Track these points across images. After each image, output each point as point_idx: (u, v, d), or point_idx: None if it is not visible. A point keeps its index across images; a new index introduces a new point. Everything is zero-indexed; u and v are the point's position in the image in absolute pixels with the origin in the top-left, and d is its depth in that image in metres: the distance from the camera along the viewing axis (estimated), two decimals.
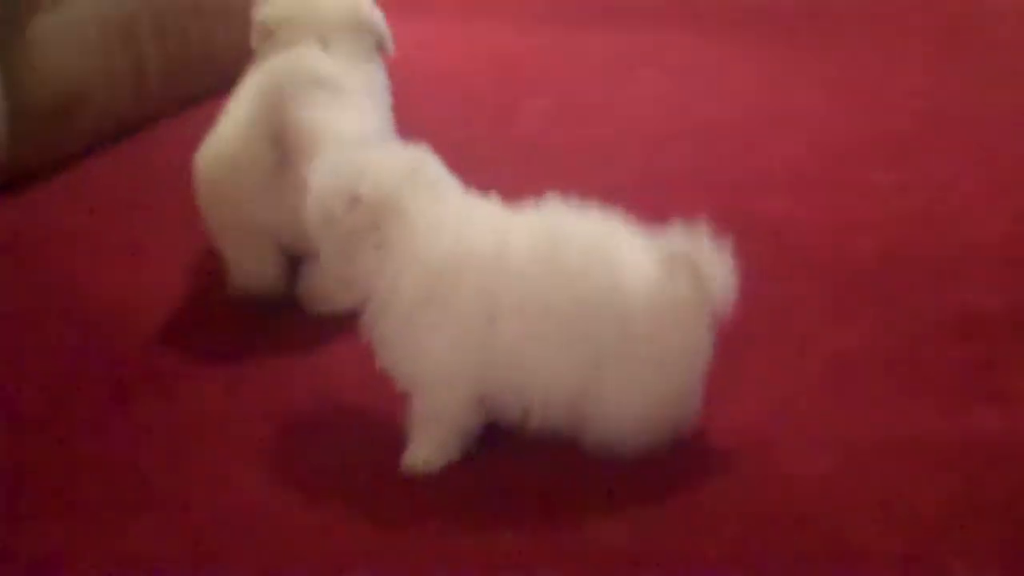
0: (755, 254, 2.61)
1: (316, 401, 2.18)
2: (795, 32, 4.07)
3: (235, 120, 2.39)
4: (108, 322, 2.47)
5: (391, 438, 2.02)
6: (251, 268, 2.44)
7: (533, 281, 1.94)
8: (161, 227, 2.83)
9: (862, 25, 4.13)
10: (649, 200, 2.85)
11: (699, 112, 3.42)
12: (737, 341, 2.10)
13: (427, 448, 1.99)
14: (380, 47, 2.63)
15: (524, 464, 2.00)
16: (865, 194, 2.90)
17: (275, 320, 2.42)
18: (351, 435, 2.10)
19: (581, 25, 4.10)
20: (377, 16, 2.62)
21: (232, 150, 2.35)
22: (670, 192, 2.91)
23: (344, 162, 1.97)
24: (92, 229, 2.85)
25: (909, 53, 3.84)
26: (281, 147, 2.28)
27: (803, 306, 2.45)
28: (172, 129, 3.34)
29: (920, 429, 2.07)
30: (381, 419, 2.09)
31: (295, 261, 2.43)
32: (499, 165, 2.95)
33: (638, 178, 3.00)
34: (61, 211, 2.94)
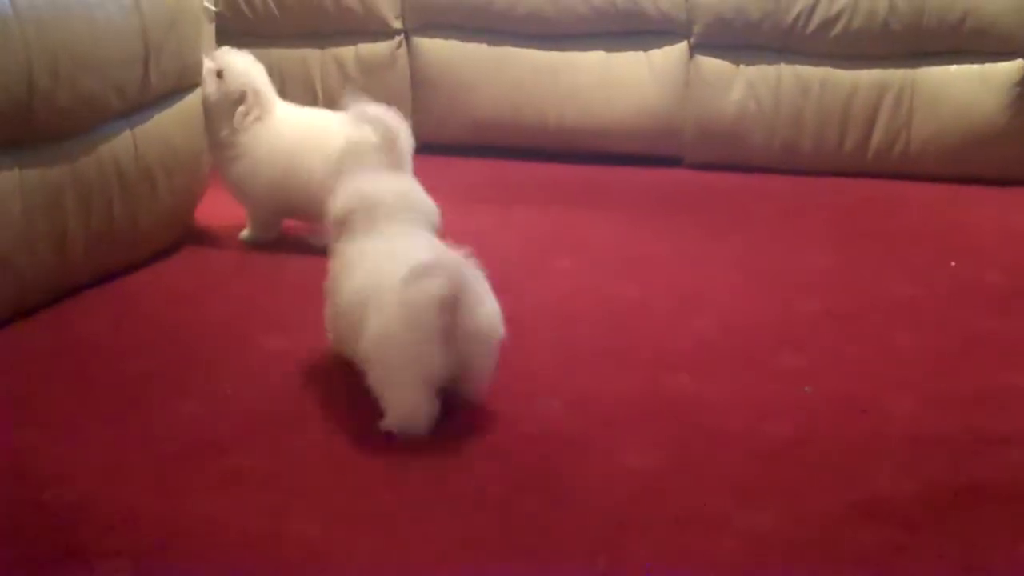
0: (667, 433, 2.67)
1: None
2: (706, 214, 4.19)
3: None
4: (30, 496, 2.44)
5: None
6: None
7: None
8: (83, 395, 2.82)
9: (770, 208, 4.24)
10: (561, 377, 2.91)
11: (612, 291, 3.49)
12: (652, 520, 2.12)
13: None
14: None
15: None
16: (774, 376, 2.95)
17: None
18: None
19: (504, 204, 4.24)
20: None
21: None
22: (582, 369, 2.96)
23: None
24: (11, 395, 2.83)
25: (816, 236, 3.95)
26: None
27: (716, 487, 2.47)
28: (94, 298, 3.36)
29: None
30: None
31: None
32: None
33: (549, 355, 3.04)
34: None
